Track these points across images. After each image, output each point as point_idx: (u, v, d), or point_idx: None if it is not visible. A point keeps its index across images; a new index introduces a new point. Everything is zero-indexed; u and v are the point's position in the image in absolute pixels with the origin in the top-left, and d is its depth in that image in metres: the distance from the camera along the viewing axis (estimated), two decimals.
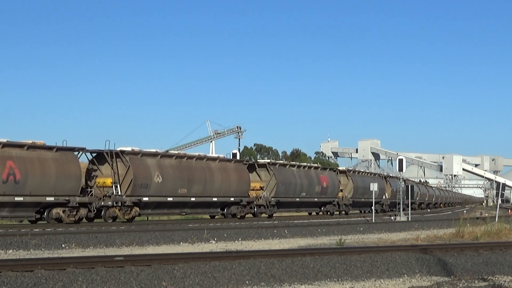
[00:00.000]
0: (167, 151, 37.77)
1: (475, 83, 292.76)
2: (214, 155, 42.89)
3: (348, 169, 59.40)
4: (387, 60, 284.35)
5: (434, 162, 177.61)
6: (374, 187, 43.89)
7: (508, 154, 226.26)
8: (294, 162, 53.44)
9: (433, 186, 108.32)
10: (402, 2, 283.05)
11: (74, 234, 22.70)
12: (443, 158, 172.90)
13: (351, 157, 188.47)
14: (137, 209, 34.54)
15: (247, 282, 13.43)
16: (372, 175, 66.59)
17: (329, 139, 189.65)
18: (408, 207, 46.42)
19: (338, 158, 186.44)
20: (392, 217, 46.95)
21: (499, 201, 47.21)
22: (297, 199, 47.33)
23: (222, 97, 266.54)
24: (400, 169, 47.45)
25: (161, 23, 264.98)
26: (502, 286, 13.71)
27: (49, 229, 26.06)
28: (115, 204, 33.36)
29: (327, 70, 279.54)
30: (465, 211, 68.97)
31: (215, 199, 39.23)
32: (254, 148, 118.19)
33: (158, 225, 32.14)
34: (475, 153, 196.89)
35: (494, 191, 75.38)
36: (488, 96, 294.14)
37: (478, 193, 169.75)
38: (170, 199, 36.11)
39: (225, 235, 24.90)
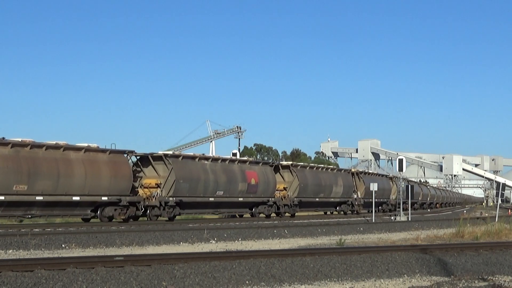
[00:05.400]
0: (3, 138, 30.18)
1: (475, 83, 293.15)
2: (82, 144, 33.66)
3: (293, 164, 48.99)
4: (386, 60, 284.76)
5: (434, 162, 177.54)
6: (374, 187, 43.79)
7: (508, 154, 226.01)
8: (208, 155, 43.68)
9: (428, 185, 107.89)
10: (402, 2, 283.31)
11: (74, 234, 22.71)
12: (443, 158, 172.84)
13: (351, 157, 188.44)
14: None
15: (247, 282, 13.43)
16: (335, 171, 54.93)
17: (329, 139, 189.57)
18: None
19: (338, 158, 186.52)
20: (392, 217, 47.00)
21: (499, 201, 47.17)
22: (211, 199, 39.10)
23: (222, 97, 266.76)
24: (400, 169, 47.45)
25: (161, 23, 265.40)
26: (502, 286, 13.71)
27: (49, 229, 26.09)
28: None
29: (326, 70, 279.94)
30: (465, 211, 69.04)
31: (76, 198, 31.81)
32: (254, 148, 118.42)
33: (158, 225, 32.15)
34: (475, 153, 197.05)
35: (494, 191, 75.31)
36: (488, 96, 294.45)
37: (478, 193, 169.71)
38: (1, 198, 29.18)
39: (225, 235, 24.93)
